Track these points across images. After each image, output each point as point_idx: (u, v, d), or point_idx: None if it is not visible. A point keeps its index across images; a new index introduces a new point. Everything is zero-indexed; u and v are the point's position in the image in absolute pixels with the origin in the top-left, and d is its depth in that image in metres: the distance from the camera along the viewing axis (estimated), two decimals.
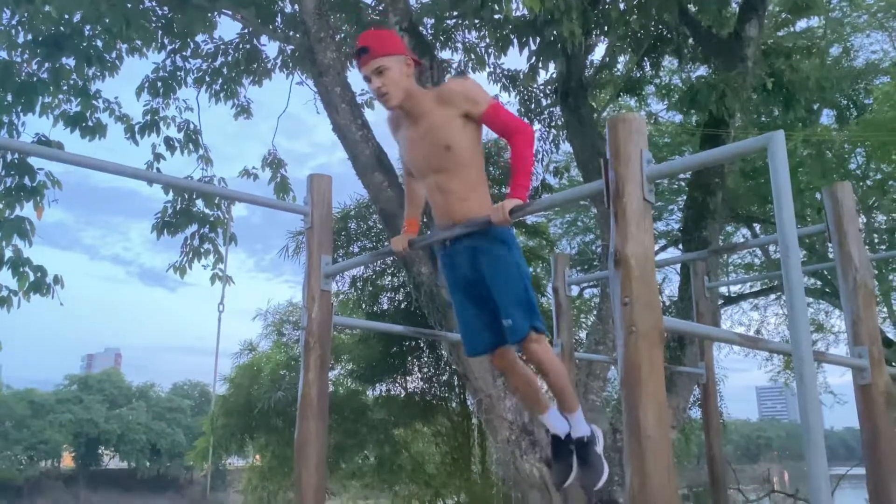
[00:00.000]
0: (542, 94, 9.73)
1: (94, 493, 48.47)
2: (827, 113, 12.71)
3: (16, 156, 7.09)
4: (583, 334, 12.00)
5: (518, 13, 7.04)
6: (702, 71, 9.40)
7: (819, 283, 13.50)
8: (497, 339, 2.79)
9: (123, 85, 9.01)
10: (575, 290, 13.51)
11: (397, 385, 13.58)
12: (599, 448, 2.87)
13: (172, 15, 8.34)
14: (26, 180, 7.10)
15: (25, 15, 7.38)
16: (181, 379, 65.83)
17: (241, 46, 9.29)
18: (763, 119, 11.34)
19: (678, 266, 8.85)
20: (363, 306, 13.04)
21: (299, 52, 8.20)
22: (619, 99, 11.09)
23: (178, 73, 9.22)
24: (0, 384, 49.59)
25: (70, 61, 7.87)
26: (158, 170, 9.12)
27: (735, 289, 14.77)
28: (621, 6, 7.05)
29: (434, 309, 6.81)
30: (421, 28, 7.97)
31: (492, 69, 9.69)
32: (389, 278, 12.84)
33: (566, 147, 10.48)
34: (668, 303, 11.35)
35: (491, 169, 11.92)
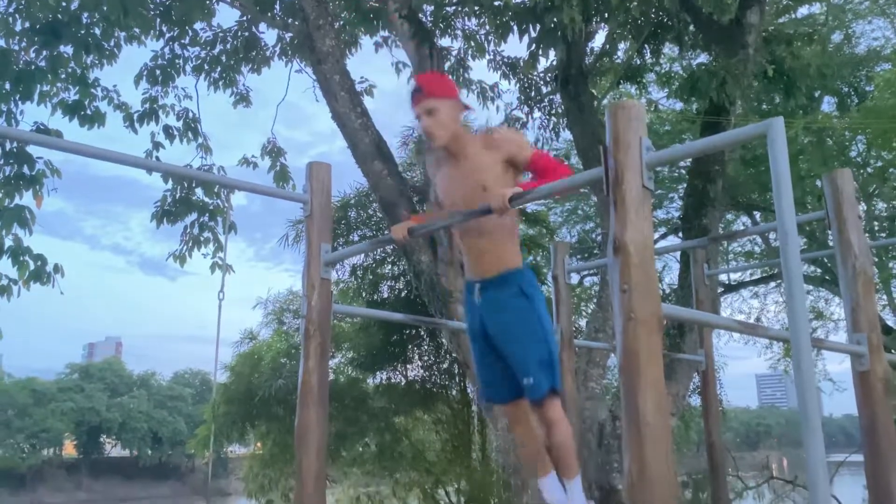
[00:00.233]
0: (542, 82, 9.70)
1: (97, 481, 48.73)
2: (828, 100, 12.67)
3: (14, 144, 7.07)
4: (583, 322, 12.02)
5: (518, 0, 7.00)
6: (702, 58, 9.36)
7: (819, 270, 13.51)
8: (516, 392, 2.83)
9: (122, 73, 8.99)
10: (575, 279, 13.53)
11: (398, 373, 13.62)
12: None
13: (170, 2, 8.30)
14: (25, 169, 7.09)
15: (23, 2, 7.35)
16: (182, 367, 66.07)
17: (239, 34, 9.25)
18: (764, 107, 11.31)
19: (678, 254, 8.86)
20: (363, 295, 13.05)
21: (298, 39, 8.16)
22: (620, 86, 11.05)
23: (177, 61, 9.19)
24: (1, 373, 49.73)
25: (68, 49, 7.85)
26: (158, 158, 9.11)
27: (735, 277, 14.78)
28: None
29: (434, 297, 6.82)
30: (420, 15, 7.93)
31: (491, 56, 9.66)
32: (390, 267, 12.85)
33: (566, 135, 10.46)
34: (667, 291, 11.36)
35: None
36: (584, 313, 13.18)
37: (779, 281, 13.93)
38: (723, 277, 13.94)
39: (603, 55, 9.38)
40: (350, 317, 12.95)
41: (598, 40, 9.41)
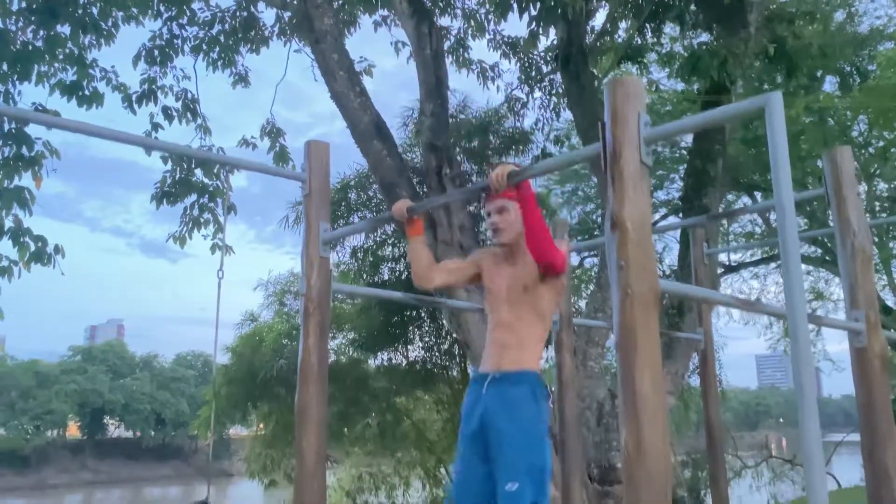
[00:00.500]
0: (542, 62, 9.64)
1: (101, 462, 49.13)
2: (830, 80, 12.58)
3: (13, 125, 7.05)
4: (583, 304, 12.05)
5: None
6: (704, 38, 9.28)
7: (819, 250, 13.51)
8: (490, 499, 2.66)
9: (120, 54, 8.94)
10: (575, 260, 13.54)
11: (399, 354, 13.69)
12: None
13: None
14: (24, 150, 7.07)
15: None
16: (184, 349, 66.35)
17: (237, 14, 9.19)
18: (765, 87, 11.23)
19: (678, 235, 8.85)
20: (364, 276, 13.09)
21: (296, 18, 8.11)
22: (620, 66, 10.99)
23: (175, 42, 9.13)
24: (5, 355, 49.94)
25: (65, 30, 7.79)
26: (157, 139, 9.07)
27: (735, 257, 14.78)
28: None
29: None
30: None
31: (491, 36, 9.60)
32: (390, 248, 12.87)
33: (567, 115, 10.41)
34: (667, 272, 11.37)
35: (491, 138, 11.86)
36: (583, 295, 13.20)
37: (779, 262, 13.94)
38: (723, 258, 13.95)
39: (604, 34, 9.32)
40: (350, 296, 12.98)
41: (599, 19, 9.36)
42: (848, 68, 12.10)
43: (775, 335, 16.42)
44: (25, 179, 7.06)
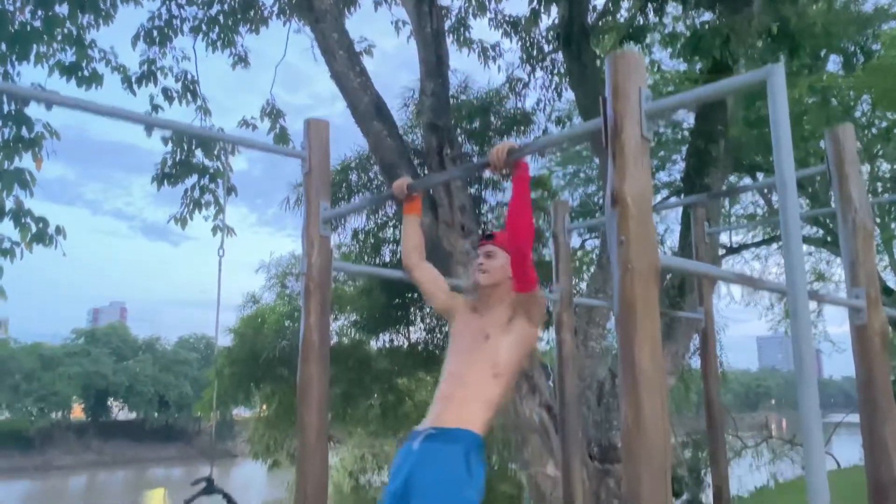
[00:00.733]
0: (543, 41, 9.58)
1: (106, 443, 49.51)
2: (833, 59, 12.49)
3: (13, 106, 7.02)
4: (583, 286, 12.06)
5: None
6: (706, 17, 9.21)
7: (820, 231, 13.49)
8: None
9: (119, 35, 8.88)
10: (576, 242, 13.54)
11: (400, 335, 13.74)
12: None
13: None
14: (24, 131, 7.05)
15: None
16: (186, 332, 66.63)
17: None
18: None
19: (679, 216, 8.83)
20: (365, 259, 13.10)
21: None
22: (623, 46, 10.90)
23: (174, 22, 9.08)
24: (8, 338, 50.16)
25: (63, 9, 7.74)
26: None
27: (737, 238, 14.77)
28: None
29: (435, 259, 6.83)
30: None
31: (492, 14, 9.53)
32: (391, 230, 12.87)
33: (568, 95, 10.36)
34: (668, 253, 11.36)
35: (493, 118, 11.81)
36: (584, 277, 13.21)
37: (780, 243, 13.93)
38: (724, 240, 13.94)
39: (605, 13, 9.25)
40: (351, 277, 13.00)
41: None
42: (852, 48, 12.02)
43: (776, 316, 16.46)
44: (26, 161, 7.05)
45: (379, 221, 12.78)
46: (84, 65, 8.14)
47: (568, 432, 4.41)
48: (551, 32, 9.29)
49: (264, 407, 15.65)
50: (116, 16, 8.49)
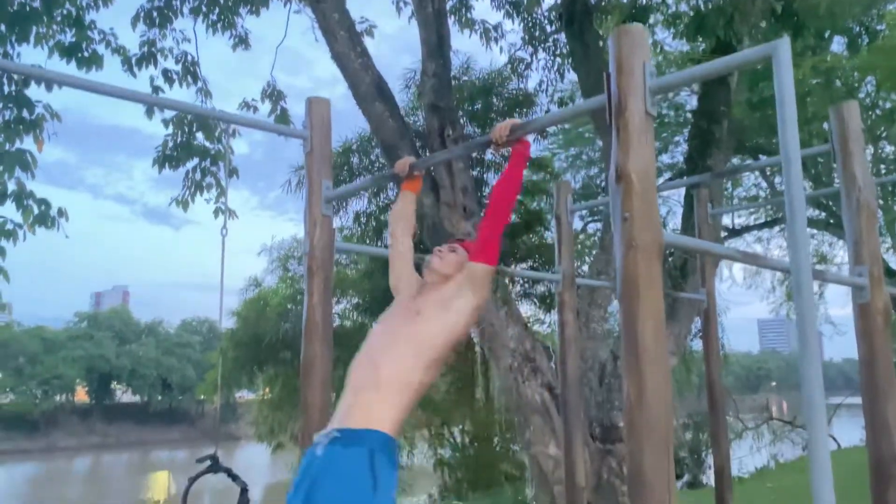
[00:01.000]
0: (546, 21, 9.51)
1: (110, 426, 49.89)
2: (837, 40, 12.39)
3: (13, 87, 7.00)
4: (586, 268, 12.06)
5: None
6: None
7: (823, 213, 13.47)
8: None
9: (118, 16, 8.83)
10: (578, 225, 13.53)
11: None
12: None
13: None
14: (25, 113, 7.02)
15: None
16: (189, 315, 66.86)
17: None
18: None
19: (682, 198, 8.81)
20: (367, 241, 13.11)
21: None
22: (624, 25, 10.81)
23: (174, 3, 9.00)
24: (11, 321, 50.36)
25: None
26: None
27: (739, 221, 14.75)
28: None
29: (437, 241, 6.83)
30: None
31: None
32: None
33: (571, 76, 10.30)
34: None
35: (495, 100, 11.75)
36: (586, 260, 13.22)
37: (782, 226, 13.92)
38: (727, 222, 13.92)
39: None
40: (353, 257, 13.02)
41: None
42: (856, 28, 11.91)
43: (778, 299, 16.48)
44: (27, 143, 7.04)
45: (381, 204, 12.77)
46: (84, 46, 8.09)
47: (570, 413, 4.43)
48: (554, 13, 9.21)
49: (267, 390, 15.73)
50: None
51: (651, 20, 10.66)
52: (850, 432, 18.33)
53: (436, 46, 7.17)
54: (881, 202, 11.71)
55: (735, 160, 13.14)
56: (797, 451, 17.41)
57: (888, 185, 11.53)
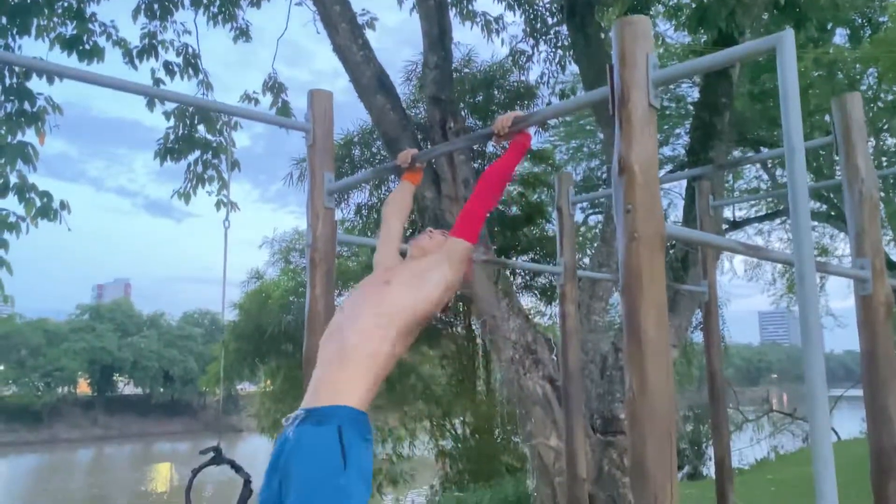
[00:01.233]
0: (547, 13, 9.48)
1: (112, 418, 50.06)
2: (840, 32, 12.35)
3: (15, 80, 6.99)
4: (587, 261, 12.07)
5: None
6: None
7: (824, 206, 13.47)
8: None
9: (120, 9, 8.81)
10: (580, 217, 13.53)
11: None
12: None
13: None
14: (26, 105, 7.02)
15: None
16: (191, 308, 67.00)
17: None
18: None
19: (683, 190, 8.81)
20: (368, 234, 13.11)
21: None
22: (627, 16, 10.77)
23: None
24: (14, 313, 50.45)
25: None
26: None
27: (740, 213, 14.75)
28: None
29: None
30: None
31: None
32: None
33: (572, 68, 10.27)
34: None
35: (496, 92, 11.73)
36: (587, 252, 13.23)
37: (784, 218, 13.92)
38: (727, 214, 13.92)
39: None
40: (354, 249, 13.03)
41: None
42: (859, 20, 11.87)
43: (778, 291, 16.49)
44: (28, 136, 7.03)
45: (382, 196, 12.77)
46: (85, 38, 8.08)
47: (571, 404, 4.44)
48: (555, 4, 9.19)
49: (268, 382, 15.77)
50: None
51: (652, 11, 10.63)
52: (851, 424, 18.38)
53: (437, 39, 7.15)
54: (883, 194, 11.69)
55: (736, 152, 13.15)
56: (797, 442, 17.47)
57: (890, 178, 11.51)
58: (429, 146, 7.20)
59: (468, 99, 11.60)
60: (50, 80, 7.10)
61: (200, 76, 9.35)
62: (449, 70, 7.32)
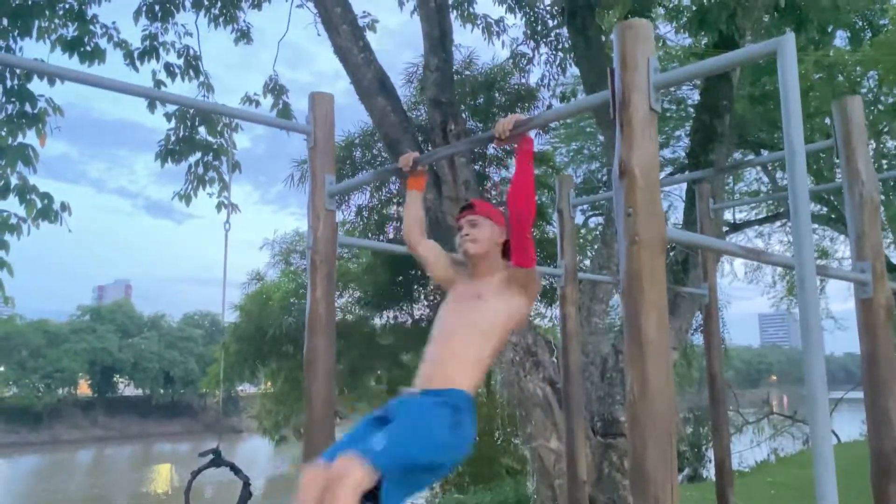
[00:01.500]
0: (548, 16, 9.49)
1: (112, 419, 50.05)
2: (840, 35, 12.35)
3: (16, 82, 7.00)
4: (588, 262, 12.07)
5: None
6: None
7: (825, 209, 13.46)
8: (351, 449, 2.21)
9: (121, 11, 8.83)
10: (580, 219, 13.53)
11: (404, 312, 13.79)
12: None
13: None
14: (27, 107, 7.03)
15: None
16: (191, 309, 67.03)
17: None
18: None
19: (683, 193, 8.82)
20: (369, 235, 13.12)
21: None
22: (628, 20, 10.77)
23: None
24: (14, 314, 50.44)
25: None
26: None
27: (740, 216, 14.73)
28: None
29: (439, 234, 6.83)
30: None
31: None
32: (395, 207, 12.86)
33: (573, 70, 10.29)
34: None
35: (497, 95, 11.74)
36: (588, 254, 13.23)
37: (784, 220, 13.92)
38: (728, 217, 13.91)
39: None
40: (355, 253, 13.04)
41: None
42: (860, 22, 11.87)
43: (779, 294, 16.47)
44: (29, 137, 7.04)
45: (383, 198, 12.78)
46: (86, 40, 8.09)
47: (571, 406, 4.44)
48: (556, 7, 9.19)
49: (268, 383, 15.77)
50: None
51: (652, 14, 10.64)
52: (851, 427, 18.36)
53: (438, 41, 7.16)
54: (883, 197, 11.68)
55: (737, 154, 13.15)
56: (797, 445, 17.45)
57: (890, 180, 11.50)
58: (429, 148, 7.21)
59: (469, 101, 11.61)
60: (51, 82, 7.11)
61: (201, 78, 9.37)
62: (450, 72, 7.33)
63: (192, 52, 9.25)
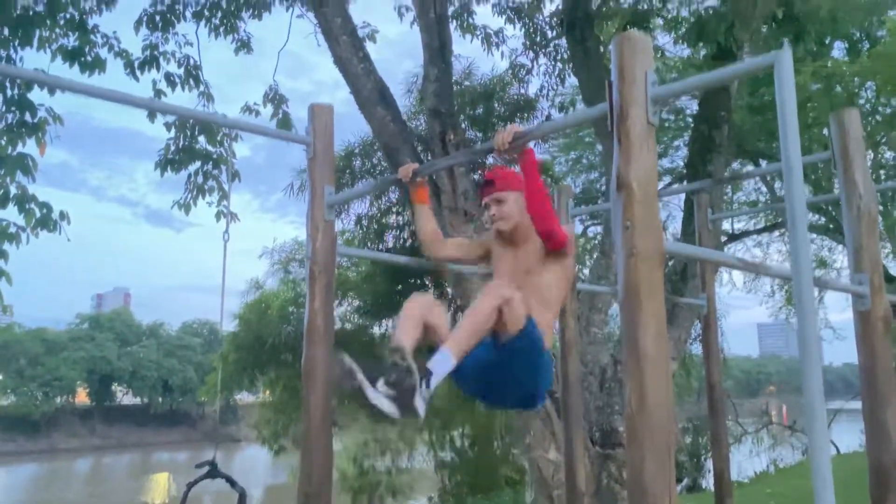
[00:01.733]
0: (547, 27, 9.53)
1: (110, 428, 49.84)
2: (838, 46, 12.41)
3: (16, 91, 7.02)
4: (587, 272, 12.07)
5: None
6: (711, 2, 9.16)
7: (823, 219, 13.48)
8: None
9: (121, 20, 8.87)
10: (579, 229, 13.54)
11: None
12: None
13: None
14: (27, 116, 7.05)
15: None
16: (190, 318, 66.91)
17: None
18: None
19: (682, 204, 8.83)
20: (368, 244, 13.12)
21: None
22: (626, 31, 10.82)
23: (176, 7, 9.04)
24: (13, 323, 50.32)
25: None
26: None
27: (739, 226, 14.76)
28: None
29: None
30: None
31: (496, 0, 9.47)
32: (394, 216, 12.88)
33: (572, 81, 10.33)
34: (671, 239, 11.35)
35: (496, 105, 11.78)
36: (587, 263, 13.23)
37: (782, 230, 13.94)
38: (726, 227, 13.93)
39: None
40: (354, 263, 13.04)
41: None
42: (857, 34, 11.93)
43: (777, 303, 16.48)
44: (29, 146, 7.05)
45: (382, 207, 12.79)
46: (87, 50, 8.12)
47: (570, 417, 4.43)
48: (555, 18, 9.24)
49: (267, 392, 15.74)
50: (119, 0, 8.47)
51: (651, 25, 10.68)
52: (850, 437, 18.31)
53: (437, 51, 7.19)
54: (881, 208, 11.72)
55: (735, 164, 13.17)
56: (797, 455, 17.41)
57: (888, 191, 11.53)
58: (429, 158, 7.23)
59: (468, 111, 11.64)
60: (51, 91, 7.14)
61: (201, 87, 9.40)
62: (449, 82, 7.36)
63: (192, 61, 9.29)
